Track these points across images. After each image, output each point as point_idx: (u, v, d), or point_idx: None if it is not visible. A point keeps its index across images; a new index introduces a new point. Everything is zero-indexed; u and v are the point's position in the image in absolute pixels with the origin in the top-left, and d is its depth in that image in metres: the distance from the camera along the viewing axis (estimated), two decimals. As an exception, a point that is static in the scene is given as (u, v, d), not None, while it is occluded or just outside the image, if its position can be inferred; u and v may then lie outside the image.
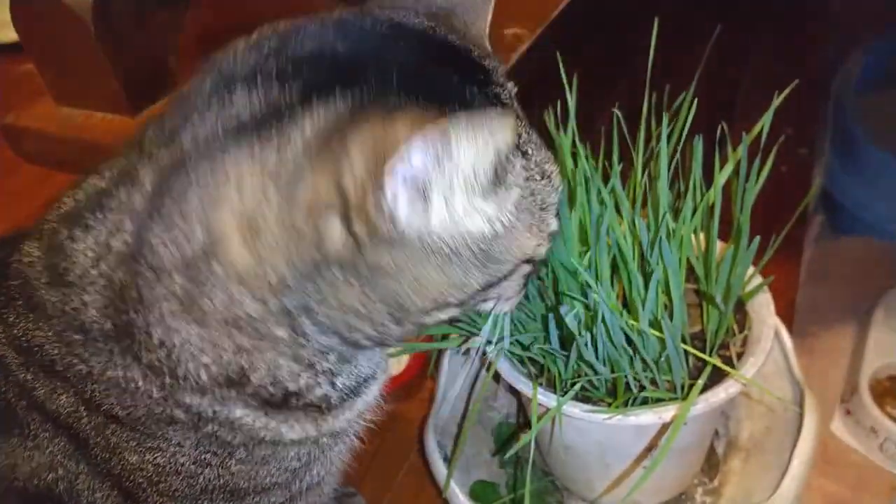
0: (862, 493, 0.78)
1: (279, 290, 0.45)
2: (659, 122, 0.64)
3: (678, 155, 0.65)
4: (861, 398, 0.81)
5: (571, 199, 0.64)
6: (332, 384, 0.52)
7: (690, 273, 0.67)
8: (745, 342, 0.67)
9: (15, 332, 0.50)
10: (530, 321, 0.65)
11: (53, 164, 1.30)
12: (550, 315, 0.62)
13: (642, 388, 0.63)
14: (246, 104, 0.44)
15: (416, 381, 0.91)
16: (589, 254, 0.64)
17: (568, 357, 0.62)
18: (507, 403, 0.85)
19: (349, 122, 0.41)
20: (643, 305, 0.59)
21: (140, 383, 0.48)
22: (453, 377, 0.83)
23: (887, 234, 0.98)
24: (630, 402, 0.63)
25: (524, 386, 0.64)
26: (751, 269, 0.67)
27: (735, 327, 0.68)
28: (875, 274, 0.95)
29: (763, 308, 0.67)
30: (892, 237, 0.98)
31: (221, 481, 0.52)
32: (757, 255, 0.63)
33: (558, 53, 0.65)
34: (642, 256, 0.64)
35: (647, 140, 0.66)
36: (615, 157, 0.65)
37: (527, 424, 0.73)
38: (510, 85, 0.50)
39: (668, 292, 0.62)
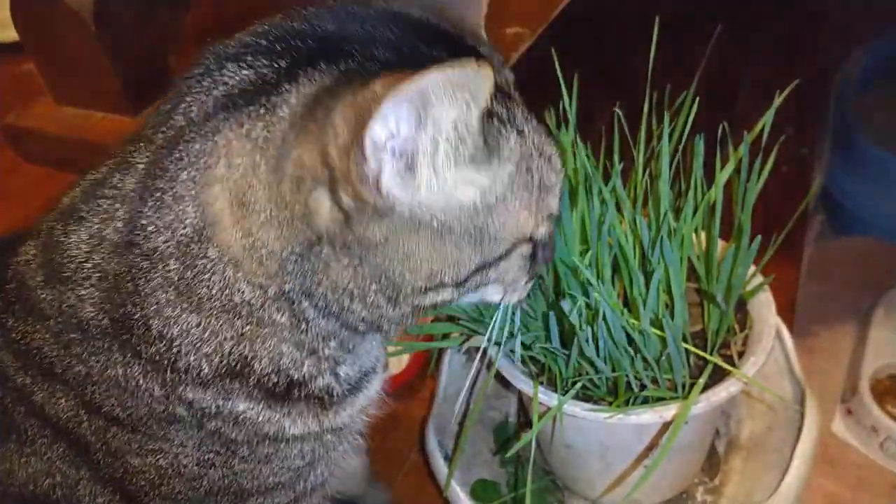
0: (862, 492, 0.78)
1: (275, 274, 0.44)
2: (659, 122, 0.64)
3: (679, 154, 0.65)
4: (861, 397, 0.81)
5: (572, 199, 0.64)
6: (335, 374, 0.52)
7: (691, 272, 0.67)
8: (745, 341, 0.67)
9: (13, 335, 0.49)
10: (531, 320, 0.65)
11: (53, 164, 1.30)
12: (551, 313, 0.62)
13: (643, 387, 0.63)
14: (236, 80, 0.44)
15: (417, 381, 0.91)
16: (590, 252, 0.64)
17: (569, 356, 0.62)
18: (508, 403, 0.85)
19: (335, 91, 0.41)
20: (644, 304, 0.59)
21: (141, 381, 0.47)
22: (454, 376, 0.83)
23: (887, 234, 0.99)
24: (631, 401, 0.63)
25: (525, 385, 0.64)
26: (751, 269, 0.67)
27: (736, 326, 0.68)
28: (875, 273, 0.95)
29: (764, 307, 0.67)
30: (892, 237, 0.98)
31: (226, 482, 0.51)
32: (758, 255, 0.63)
33: (559, 53, 0.65)
34: (643, 255, 0.64)
35: (648, 139, 0.66)
36: (616, 157, 0.66)
37: (528, 423, 0.73)
38: (507, 72, 0.50)
39: (669, 291, 0.62)
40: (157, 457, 0.50)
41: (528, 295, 0.58)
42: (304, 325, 0.47)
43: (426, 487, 0.82)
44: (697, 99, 0.64)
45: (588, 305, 0.60)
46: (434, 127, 0.41)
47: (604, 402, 0.64)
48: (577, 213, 0.64)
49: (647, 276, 0.60)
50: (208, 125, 0.43)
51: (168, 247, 0.44)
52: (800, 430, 0.70)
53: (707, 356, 0.63)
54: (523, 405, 0.81)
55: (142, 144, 0.46)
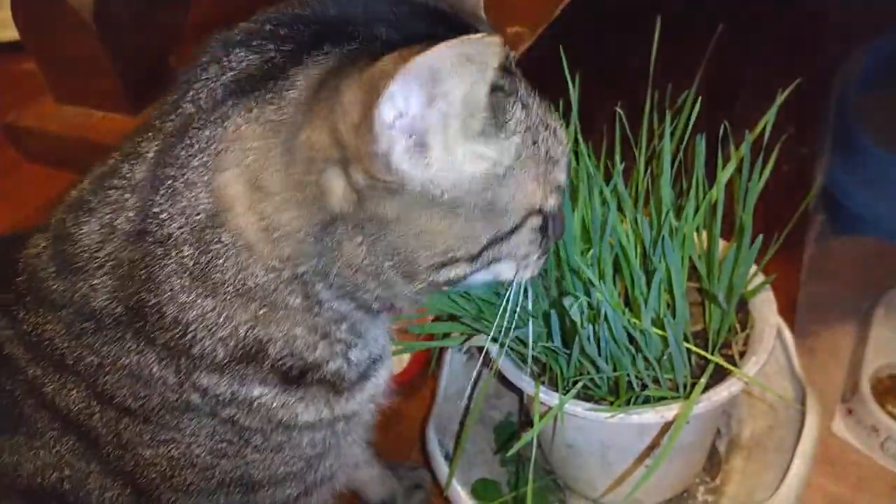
0: (863, 492, 0.78)
1: (289, 257, 0.45)
2: (660, 121, 0.64)
3: (680, 153, 0.65)
4: (862, 397, 0.81)
5: (574, 198, 0.64)
6: (347, 358, 0.52)
7: (693, 271, 0.67)
8: (746, 341, 0.67)
9: (24, 328, 0.49)
10: (532, 318, 0.65)
11: (54, 163, 1.30)
12: (553, 312, 0.62)
13: (644, 386, 0.63)
14: (244, 66, 0.44)
15: (418, 380, 0.91)
16: (591, 252, 0.64)
17: (570, 355, 0.62)
18: (509, 402, 0.85)
19: (341, 72, 0.42)
20: (646, 304, 0.59)
21: (154, 369, 0.47)
22: (455, 376, 0.83)
23: (887, 234, 0.98)
24: (632, 400, 0.63)
25: (526, 384, 0.64)
26: (753, 268, 0.67)
27: (737, 326, 0.68)
28: (876, 273, 0.95)
29: (765, 307, 0.67)
30: (893, 237, 0.98)
31: (237, 473, 0.52)
32: (759, 254, 0.63)
33: (560, 52, 0.65)
34: (645, 255, 0.64)
35: (650, 139, 0.66)
36: (617, 156, 0.66)
37: (528, 423, 0.72)
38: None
39: (670, 291, 0.62)
40: (170, 447, 0.50)
41: (526, 294, 0.58)
42: (317, 308, 0.48)
43: (427, 487, 0.82)
44: (698, 98, 0.64)
45: (590, 305, 0.60)
46: (444, 102, 0.41)
47: (605, 401, 0.64)
48: (579, 213, 0.64)
49: (649, 276, 0.60)
50: (218, 111, 0.44)
51: (182, 233, 0.45)
52: (800, 429, 0.70)
53: (708, 356, 0.63)
54: (524, 404, 0.81)
55: (150, 134, 0.47)
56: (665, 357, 0.61)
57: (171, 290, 0.45)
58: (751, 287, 0.68)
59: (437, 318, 0.70)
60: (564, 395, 0.61)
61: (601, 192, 0.64)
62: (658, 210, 0.65)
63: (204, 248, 0.45)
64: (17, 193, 1.30)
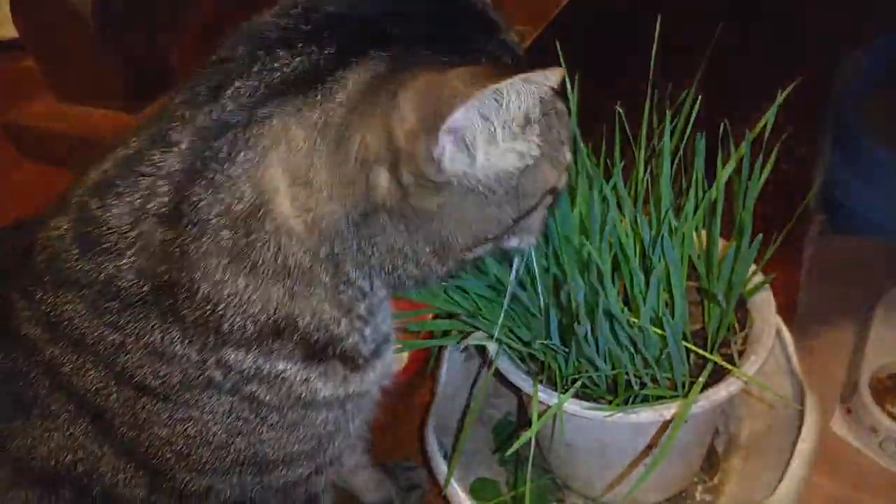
0: (862, 491, 0.78)
1: (329, 239, 0.47)
2: (660, 121, 0.64)
3: (680, 153, 0.65)
4: (861, 397, 0.81)
5: (573, 197, 0.64)
6: (363, 335, 0.54)
7: (692, 271, 0.67)
8: (745, 340, 0.67)
9: (43, 308, 0.50)
10: (531, 317, 0.65)
11: (54, 162, 1.30)
12: (551, 310, 0.62)
13: (643, 385, 0.63)
14: (288, 66, 0.46)
15: (417, 379, 0.91)
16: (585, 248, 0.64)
17: (568, 353, 0.62)
18: (508, 401, 0.85)
19: (394, 78, 0.44)
20: (645, 303, 0.59)
21: (178, 347, 0.48)
22: (453, 375, 0.83)
23: (887, 234, 0.98)
24: (631, 399, 0.63)
25: (525, 383, 0.64)
26: (752, 267, 0.67)
27: (736, 325, 0.68)
28: (875, 273, 0.95)
29: (764, 306, 0.67)
30: (892, 237, 0.98)
31: (252, 451, 0.53)
32: (758, 254, 0.63)
33: (560, 51, 0.65)
34: (644, 254, 0.64)
35: (649, 138, 0.66)
36: (617, 155, 0.66)
37: (527, 422, 0.72)
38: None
39: (669, 290, 0.62)
40: (187, 425, 0.51)
41: (523, 286, 0.60)
42: (343, 286, 0.50)
43: (426, 486, 0.82)
44: (698, 98, 0.64)
45: (587, 301, 0.60)
46: (502, 117, 0.45)
47: (603, 400, 0.64)
48: (578, 212, 0.64)
49: (648, 275, 0.60)
50: (263, 110, 0.46)
51: (220, 220, 0.46)
52: (799, 429, 0.70)
53: (707, 355, 0.63)
54: (523, 404, 0.81)
55: (178, 124, 0.47)
56: (664, 356, 0.61)
57: (206, 269, 0.47)
58: (750, 286, 0.68)
59: (436, 317, 0.70)
60: (563, 393, 0.61)
61: (601, 191, 0.64)
62: (657, 209, 0.65)
63: (244, 233, 0.47)
64: (17, 192, 1.30)
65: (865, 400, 0.80)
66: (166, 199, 0.47)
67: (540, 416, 0.60)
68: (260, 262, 0.47)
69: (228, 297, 0.47)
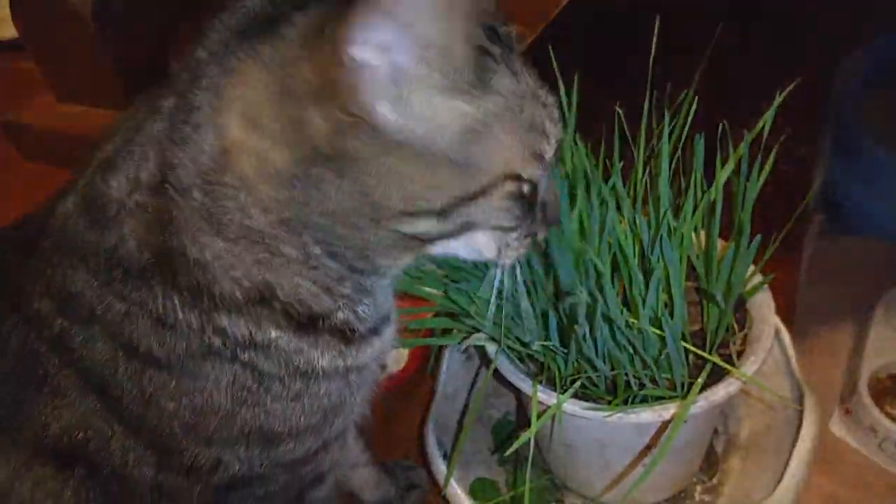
0: (861, 492, 0.78)
1: (279, 199, 0.47)
2: (659, 121, 0.64)
3: (679, 153, 0.65)
4: (860, 397, 0.81)
5: (572, 198, 0.64)
6: (354, 312, 0.54)
7: (691, 271, 0.67)
8: (744, 340, 0.67)
9: (53, 282, 0.50)
10: (530, 317, 0.65)
11: (53, 162, 1.29)
12: (550, 311, 0.62)
13: (642, 385, 0.63)
14: (253, 10, 0.47)
15: (416, 379, 0.91)
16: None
17: (568, 354, 0.63)
18: (507, 401, 0.85)
19: (338, 12, 0.43)
20: (643, 303, 0.59)
21: (179, 313, 0.49)
22: (453, 375, 0.83)
23: (887, 234, 0.98)
24: (630, 399, 0.63)
25: (524, 383, 0.64)
26: (751, 268, 0.67)
27: (735, 326, 0.68)
28: (875, 273, 0.95)
29: (763, 307, 0.67)
30: (892, 237, 0.98)
31: (258, 422, 0.53)
32: (757, 254, 0.63)
33: (559, 52, 0.65)
34: (643, 254, 0.64)
35: (648, 138, 0.66)
36: (616, 156, 0.66)
37: (526, 422, 0.72)
38: (509, 27, 0.51)
39: (668, 290, 0.62)
40: (193, 395, 0.51)
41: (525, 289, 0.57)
42: (311, 261, 0.50)
43: (425, 486, 0.82)
44: (697, 98, 0.64)
45: (589, 303, 0.60)
46: (415, 48, 0.43)
47: (603, 401, 0.64)
48: (577, 212, 0.64)
49: (647, 275, 0.60)
50: (226, 52, 0.46)
51: (192, 180, 0.47)
52: (798, 429, 0.70)
53: (706, 355, 0.63)
54: (522, 404, 0.81)
55: (168, 89, 0.49)
56: (663, 356, 0.61)
57: (191, 233, 0.48)
58: (749, 287, 0.68)
59: (436, 315, 0.70)
60: (562, 394, 0.61)
61: (599, 192, 0.64)
62: (656, 210, 0.65)
63: (209, 189, 0.47)
64: (17, 192, 1.29)
65: (865, 400, 0.80)
66: (152, 164, 0.48)
67: (539, 416, 0.60)
68: (227, 223, 0.48)
69: (213, 259, 0.48)
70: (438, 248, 0.51)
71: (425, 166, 0.46)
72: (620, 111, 0.65)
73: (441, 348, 0.82)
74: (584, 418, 0.62)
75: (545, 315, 0.63)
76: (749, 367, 0.63)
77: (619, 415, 0.61)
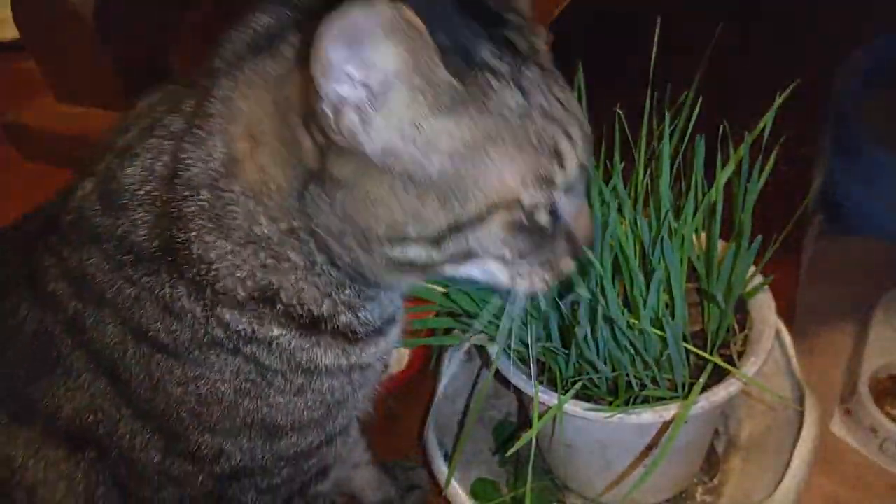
0: (861, 492, 0.78)
1: (284, 209, 0.48)
2: (660, 122, 0.64)
3: (680, 154, 0.65)
4: (861, 398, 0.81)
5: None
6: (357, 317, 0.54)
7: (691, 272, 0.67)
8: (745, 341, 0.67)
9: (69, 264, 0.52)
10: (531, 318, 0.65)
11: (54, 162, 1.30)
12: (551, 312, 0.62)
13: (643, 386, 0.63)
14: (262, 27, 0.48)
15: (417, 379, 0.91)
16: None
17: (569, 355, 0.63)
18: (508, 402, 0.85)
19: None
20: (645, 304, 0.59)
21: (185, 302, 0.50)
22: (454, 375, 0.83)
23: (887, 234, 0.98)
24: (631, 400, 0.63)
25: (525, 384, 0.64)
26: (751, 269, 0.67)
27: (736, 326, 0.68)
28: (875, 274, 0.95)
29: (764, 307, 0.67)
30: (892, 237, 0.98)
31: (261, 414, 0.54)
32: (758, 255, 0.63)
33: (559, 52, 0.65)
34: (644, 255, 0.64)
35: (649, 139, 0.66)
36: (617, 157, 0.66)
37: (527, 423, 0.73)
38: (534, 37, 0.49)
39: (669, 291, 0.62)
40: (198, 384, 0.52)
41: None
42: (316, 269, 0.51)
43: (426, 486, 0.82)
44: (698, 99, 0.64)
45: (590, 304, 0.60)
46: (381, 75, 0.42)
47: (604, 401, 0.64)
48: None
49: (648, 276, 0.60)
50: (236, 65, 0.48)
51: (202, 178, 0.48)
52: (799, 430, 0.70)
53: (707, 356, 0.63)
54: (523, 404, 0.81)
55: (191, 90, 0.50)
56: (664, 357, 0.61)
57: (196, 230, 0.49)
58: (749, 287, 0.68)
59: (437, 315, 0.70)
60: (563, 395, 0.61)
61: (601, 193, 0.64)
62: (657, 211, 0.65)
63: (218, 193, 0.48)
64: (17, 192, 1.29)
65: (865, 401, 0.80)
66: (168, 157, 0.49)
67: (540, 417, 0.60)
68: (233, 227, 0.49)
69: (218, 258, 0.49)
70: (449, 271, 0.49)
71: (407, 193, 0.45)
72: (621, 112, 0.65)
73: (442, 349, 0.82)
74: (585, 419, 0.62)
75: (546, 316, 0.63)
76: (750, 367, 0.63)
77: (620, 415, 0.61)
